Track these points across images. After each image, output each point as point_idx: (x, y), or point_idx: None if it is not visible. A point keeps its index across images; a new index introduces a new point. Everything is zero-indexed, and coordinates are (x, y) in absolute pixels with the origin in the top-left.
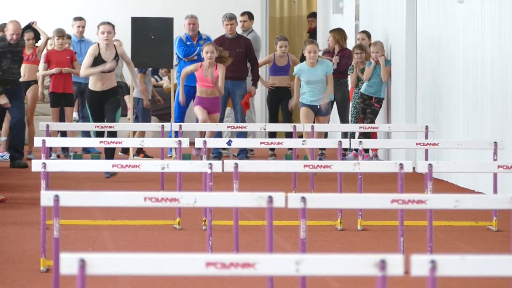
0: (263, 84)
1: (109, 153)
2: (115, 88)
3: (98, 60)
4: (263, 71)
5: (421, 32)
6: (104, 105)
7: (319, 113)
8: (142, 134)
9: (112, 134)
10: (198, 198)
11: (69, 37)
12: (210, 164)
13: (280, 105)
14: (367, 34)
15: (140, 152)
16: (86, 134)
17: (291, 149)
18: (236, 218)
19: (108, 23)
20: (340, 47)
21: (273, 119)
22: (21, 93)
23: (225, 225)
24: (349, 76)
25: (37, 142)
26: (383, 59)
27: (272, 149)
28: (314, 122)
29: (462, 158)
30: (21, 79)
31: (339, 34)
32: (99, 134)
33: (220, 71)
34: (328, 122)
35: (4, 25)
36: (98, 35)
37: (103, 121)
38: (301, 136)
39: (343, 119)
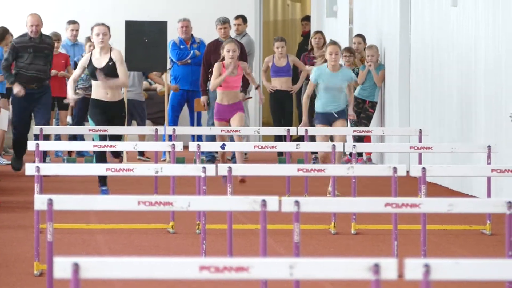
0: (265, 86)
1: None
2: (121, 101)
3: (90, 67)
4: (257, 74)
5: (415, 35)
6: (110, 119)
7: (335, 121)
8: (143, 137)
9: (116, 138)
10: (191, 202)
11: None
12: (204, 167)
13: (283, 109)
14: (362, 37)
15: (143, 153)
16: (80, 138)
17: (281, 153)
18: (230, 222)
19: (103, 24)
20: (321, 50)
21: (276, 122)
22: (47, 97)
23: (218, 229)
24: None
25: (31, 145)
26: (373, 67)
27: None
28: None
29: (456, 162)
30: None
31: (324, 36)
32: (102, 138)
33: (244, 68)
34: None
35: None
36: (92, 37)
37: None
38: (294, 140)
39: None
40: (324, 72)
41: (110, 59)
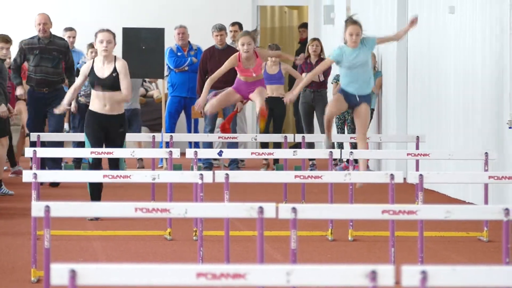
0: None
1: (114, 164)
2: (121, 115)
3: (92, 77)
4: None
5: (412, 42)
6: (107, 133)
7: (359, 103)
8: (139, 144)
9: (114, 164)
10: (188, 208)
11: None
12: (201, 174)
13: (272, 115)
14: None
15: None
16: (77, 145)
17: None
18: (227, 229)
19: (108, 31)
20: (318, 57)
21: (267, 129)
22: (59, 103)
23: (216, 236)
24: (332, 85)
25: (28, 152)
26: None
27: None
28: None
29: (453, 169)
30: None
31: (321, 43)
32: (97, 164)
33: (263, 54)
34: (369, 113)
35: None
36: (96, 44)
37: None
38: (292, 147)
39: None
40: (346, 51)
41: (115, 70)
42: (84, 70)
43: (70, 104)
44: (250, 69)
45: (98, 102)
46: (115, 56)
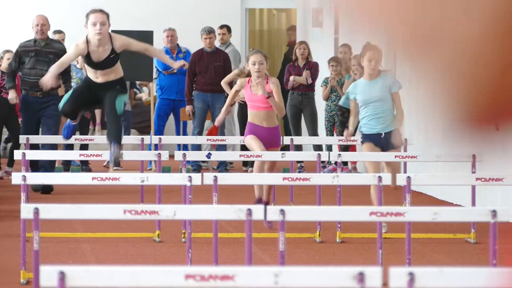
0: (234, 98)
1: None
2: (118, 80)
3: (87, 61)
4: None
5: None
6: (99, 95)
7: (387, 146)
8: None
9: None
10: (177, 210)
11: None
12: (190, 176)
13: None
14: (348, 47)
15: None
16: (66, 147)
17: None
18: (215, 231)
19: (101, 11)
20: (305, 60)
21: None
22: (54, 108)
23: (204, 238)
24: (321, 88)
25: (17, 155)
26: (359, 77)
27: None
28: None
29: (441, 171)
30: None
31: (308, 46)
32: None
33: (274, 86)
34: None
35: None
36: (87, 27)
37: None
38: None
39: (313, 133)
40: (359, 84)
41: (112, 51)
42: (78, 50)
43: (56, 76)
44: (259, 95)
45: (92, 76)
46: (110, 35)
